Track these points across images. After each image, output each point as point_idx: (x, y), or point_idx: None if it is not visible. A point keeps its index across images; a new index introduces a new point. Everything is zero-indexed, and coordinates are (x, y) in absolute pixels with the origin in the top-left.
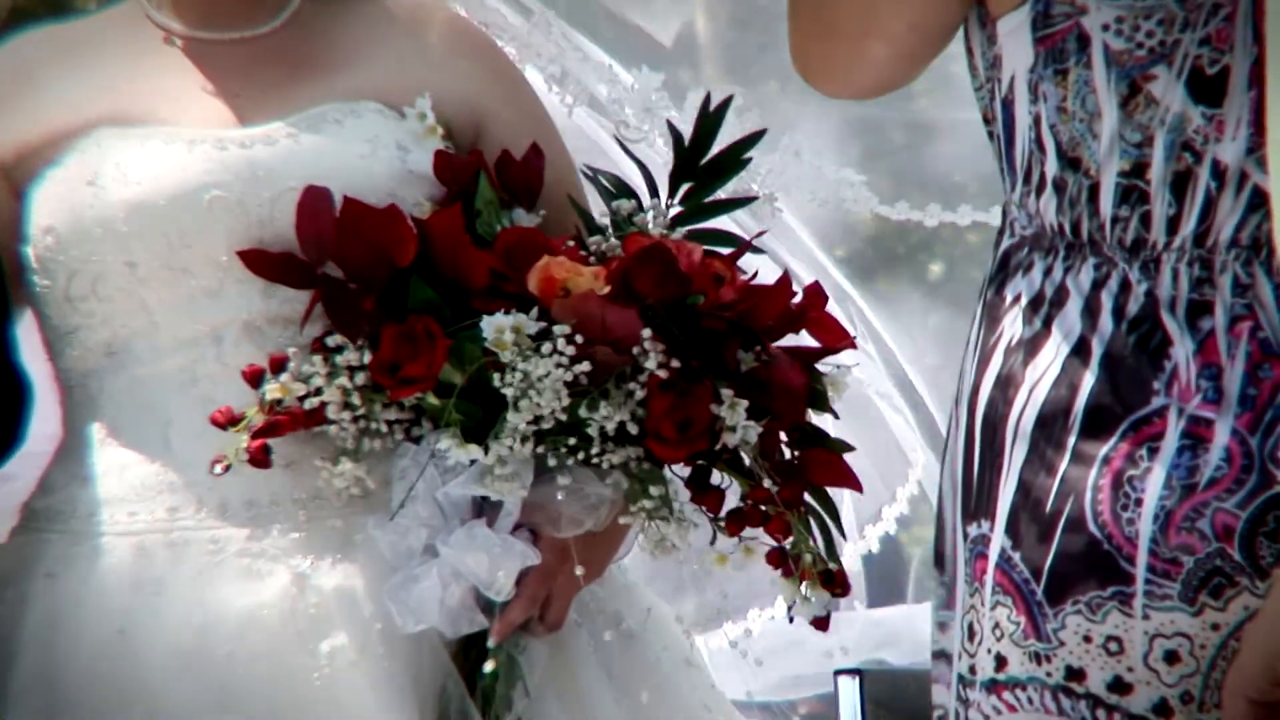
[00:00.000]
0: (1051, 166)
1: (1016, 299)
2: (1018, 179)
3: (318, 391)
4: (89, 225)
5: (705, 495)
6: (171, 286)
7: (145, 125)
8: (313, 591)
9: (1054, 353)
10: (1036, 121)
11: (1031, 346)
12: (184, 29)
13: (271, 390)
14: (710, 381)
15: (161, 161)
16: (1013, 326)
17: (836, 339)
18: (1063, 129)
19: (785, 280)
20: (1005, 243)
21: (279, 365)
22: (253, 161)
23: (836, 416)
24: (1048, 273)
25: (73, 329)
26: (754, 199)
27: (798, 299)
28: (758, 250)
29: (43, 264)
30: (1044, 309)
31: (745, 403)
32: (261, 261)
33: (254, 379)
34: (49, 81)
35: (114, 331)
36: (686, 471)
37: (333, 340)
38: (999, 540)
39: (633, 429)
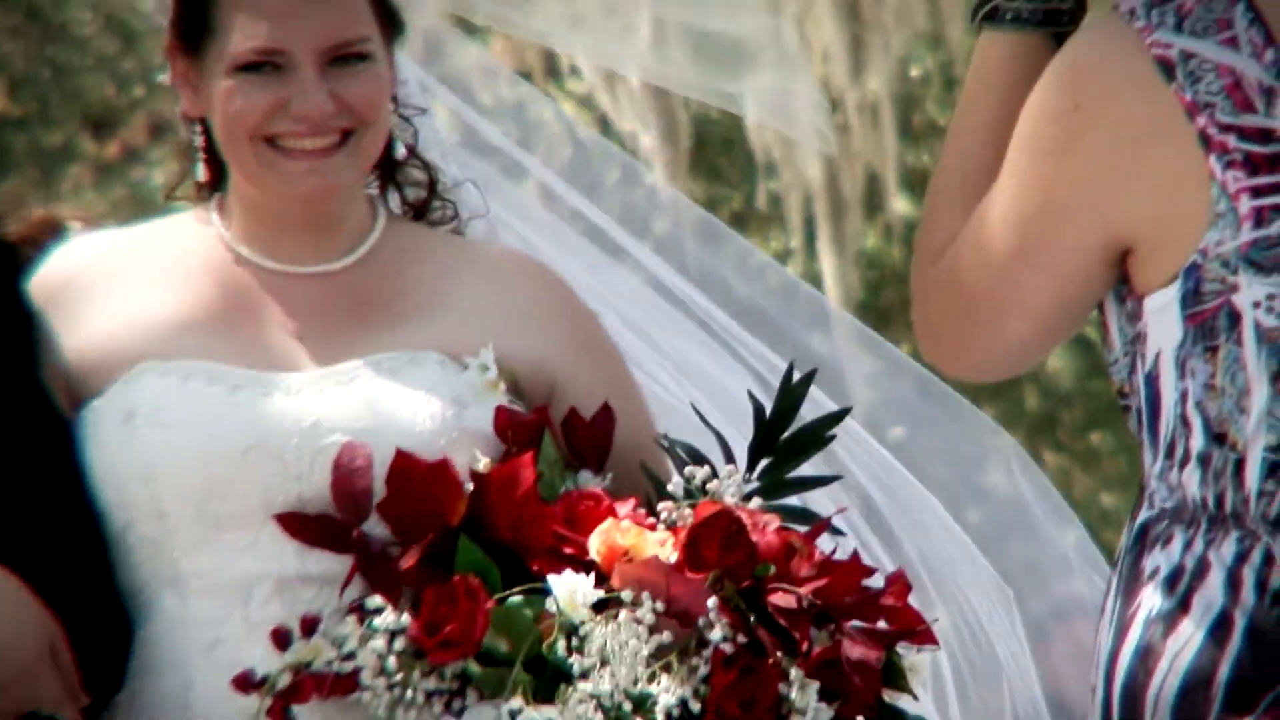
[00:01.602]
0: (1197, 441)
1: (1155, 572)
2: (1160, 453)
3: (350, 655)
4: (121, 465)
5: None
6: (202, 538)
7: (190, 360)
8: None
9: (1195, 625)
10: (1183, 397)
11: (1172, 619)
12: (254, 255)
13: (300, 651)
14: (778, 659)
15: (200, 404)
16: (1152, 598)
17: (916, 628)
18: (1210, 405)
19: (857, 559)
20: (1143, 515)
21: (310, 626)
22: (297, 412)
23: (915, 698)
24: (1188, 545)
25: None
26: (836, 478)
27: (878, 582)
28: (837, 531)
29: None
30: (1184, 581)
31: (816, 684)
32: (299, 525)
33: (281, 640)
34: (101, 300)
35: (140, 581)
36: None
37: (371, 603)
38: None
39: (694, 706)
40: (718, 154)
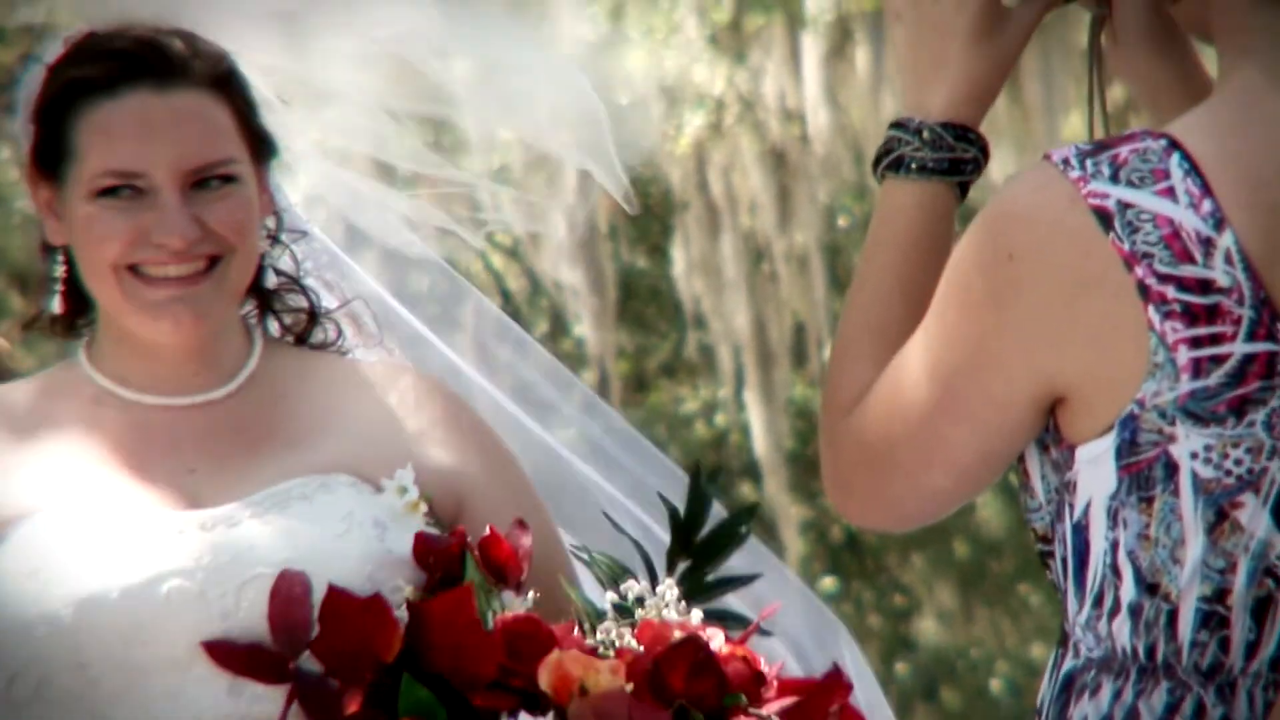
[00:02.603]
0: (1128, 591)
1: None
2: (1086, 602)
3: None
4: (32, 622)
5: None
6: (126, 688)
7: (91, 508)
8: None
9: None
10: (1114, 547)
11: None
12: (129, 394)
13: None
14: None
15: (111, 549)
16: None
17: None
18: (1143, 555)
19: (838, 674)
20: (1068, 664)
21: None
22: (215, 547)
23: None
24: (1118, 696)
25: None
26: (755, 577)
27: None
28: (765, 632)
29: None
30: None
31: None
32: (229, 655)
33: None
34: None
35: None
36: None
37: None
38: None
39: None
40: (645, 304)
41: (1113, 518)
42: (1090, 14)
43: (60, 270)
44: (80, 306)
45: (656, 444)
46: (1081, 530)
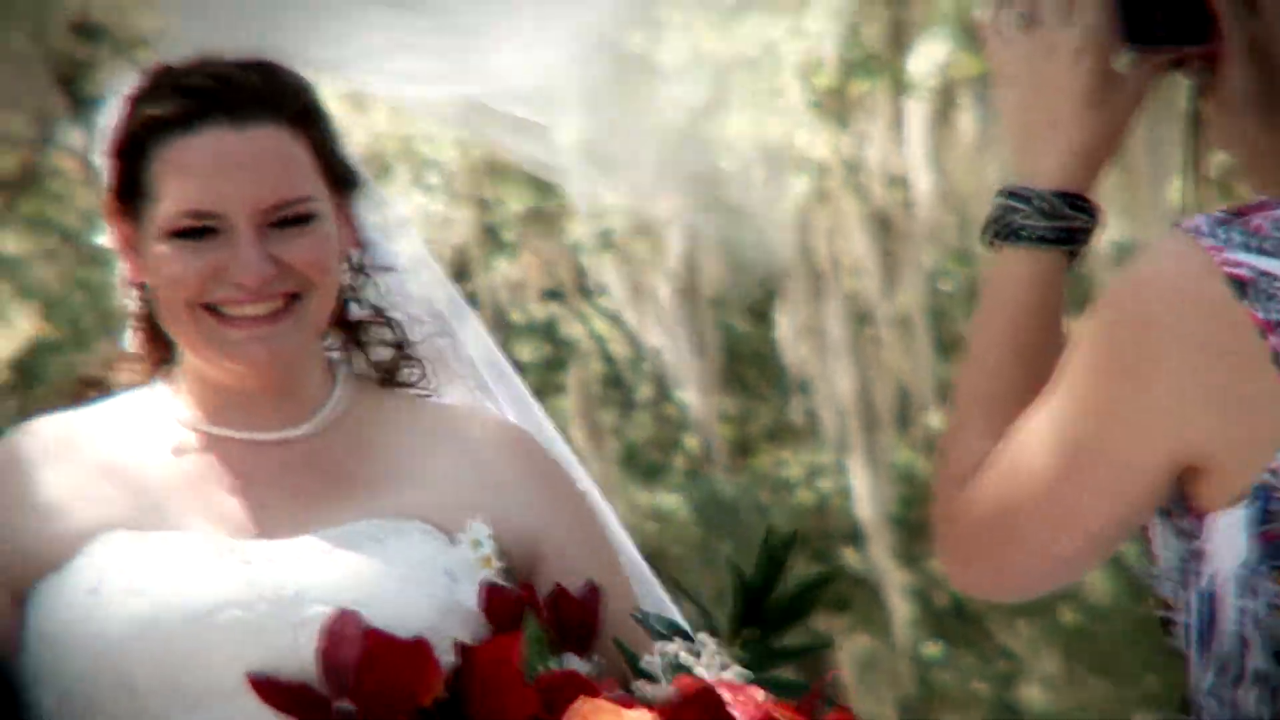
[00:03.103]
0: (1256, 660)
1: None
2: (1211, 669)
3: None
4: (86, 639)
5: None
6: (173, 715)
7: (162, 531)
8: None
9: None
10: (1244, 615)
11: None
12: (207, 426)
13: None
14: None
15: (173, 574)
16: None
17: None
18: (1274, 624)
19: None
20: None
21: None
22: (278, 580)
23: None
24: None
25: None
26: (826, 645)
27: None
28: (829, 700)
29: (35, 676)
30: None
31: None
32: (272, 690)
33: None
34: (55, 478)
35: None
36: None
37: None
38: None
39: None
40: (748, 368)
41: (1243, 586)
42: (1191, 81)
43: (137, 307)
44: (162, 342)
45: (759, 509)
46: (1209, 598)
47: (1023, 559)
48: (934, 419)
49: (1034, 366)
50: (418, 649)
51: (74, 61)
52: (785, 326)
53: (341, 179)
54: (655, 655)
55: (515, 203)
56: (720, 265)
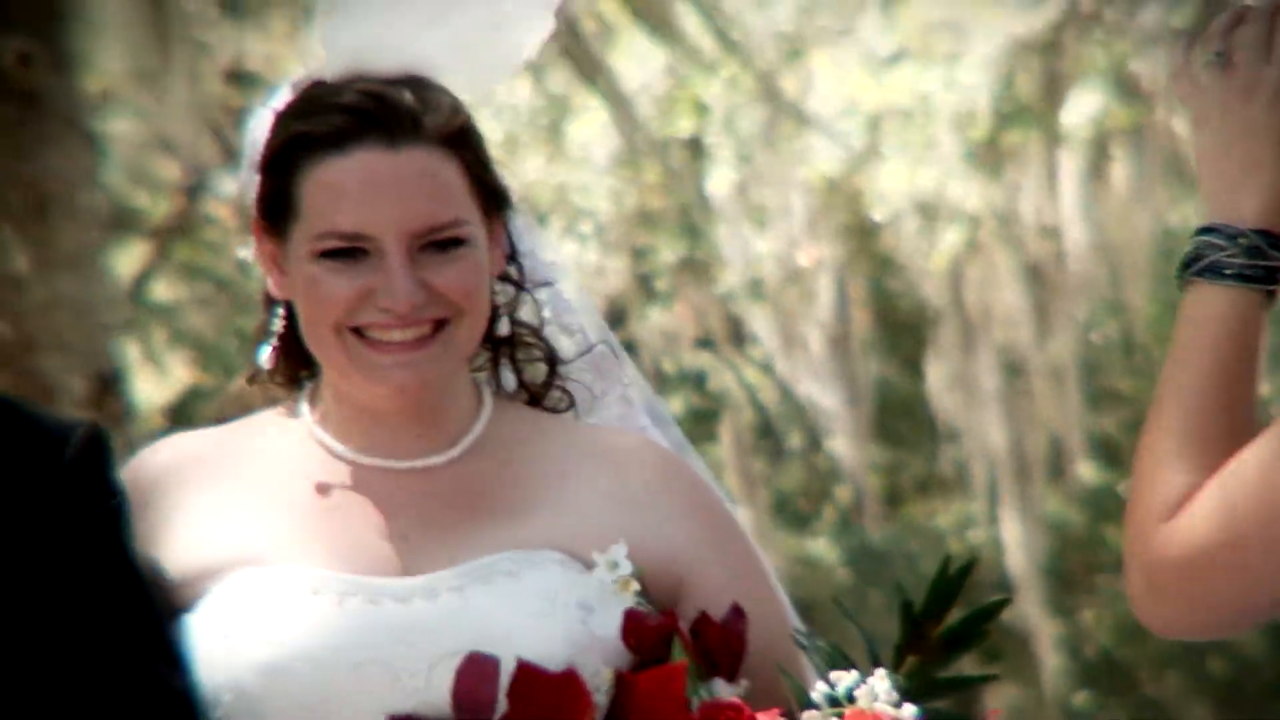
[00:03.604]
0: None
1: None
2: None
3: None
4: (219, 687)
5: None
6: None
7: (291, 567)
8: None
9: None
10: None
11: None
12: (348, 451)
13: None
14: None
15: (306, 615)
16: None
17: None
18: None
19: None
20: None
21: None
22: (411, 622)
23: None
24: None
25: None
26: (992, 677)
27: None
28: None
29: None
30: None
31: None
32: None
33: None
34: (190, 504)
35: None
36: None
37: None
38: None
39: None
40: (899, 418)
41: None
42: None
43: (279, 325)
44: (300, 360)
45: (909, 559)
46: None
47: (1224, 596)
48: (1085, 470)
49: (1235, 402)
50: (568, 681)
51: (227, 109)
52: (936, 377)
53: (493, 199)
54: (817, 685)
55: (667, 251)
56: (871, 315)
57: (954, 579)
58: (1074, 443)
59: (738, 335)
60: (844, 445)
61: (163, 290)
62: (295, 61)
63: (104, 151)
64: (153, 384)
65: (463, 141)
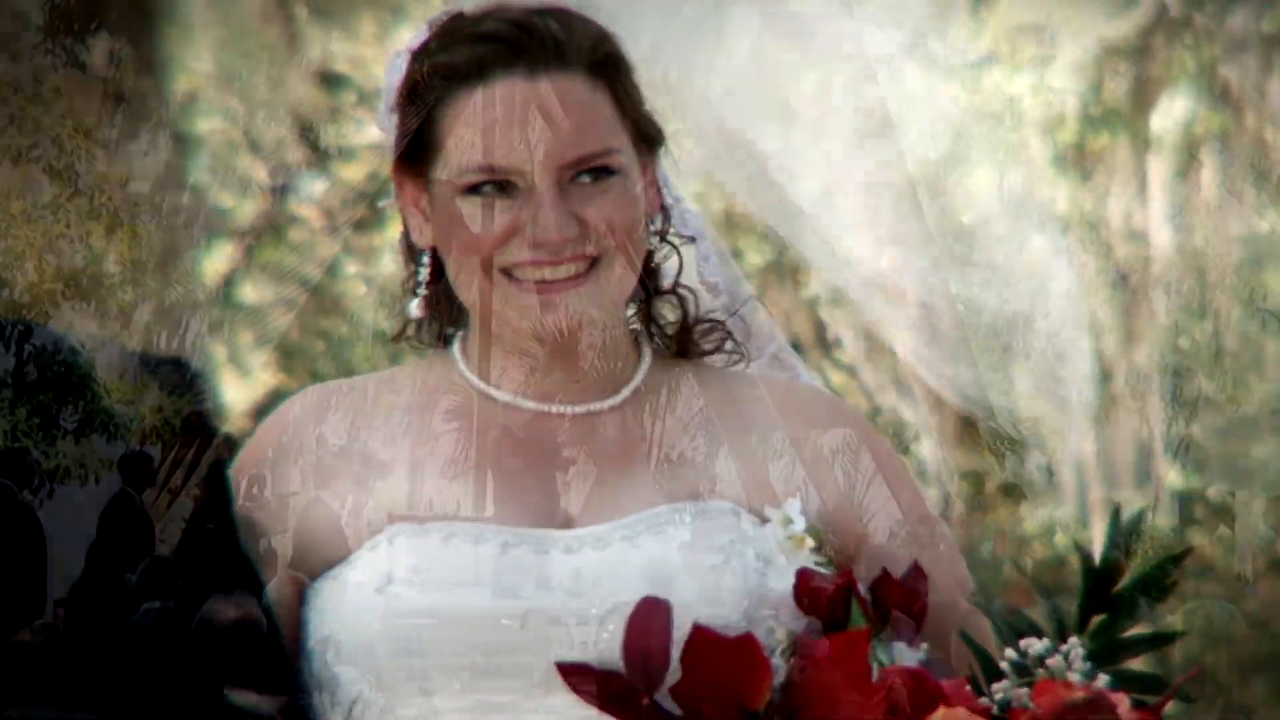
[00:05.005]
0: None
1: None
2: None
3: None
4: (375, 641)
5: None
6: (471, 717)
7: (450, 520)
8: None
9: None
10: None
11: None
12: (506, 396)
13: None
14: None
15: (468, 567)
16: None
17: None
18: None
19: None
20: None
21: None
22: (579, 571)
23: None
24: None
25: None
26: (1178, 635)
27: None
28: (1187, 698)
29: (317, 680)
30: None
31: None
32: (585, 679)
33: None
34: (340, 457)
35: None
36: None
37: None
38: None
39: None
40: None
41: None
42: None
43: (425, 274)
44: (447, 311)
45: (995, 564)
46: None
47: None
48: (1172, 476)
49: None
50: (745, 646)
51: (315, 110)
52: (1022, 381)
53: (646, 134)
54: (1006, 653)
55: (755, 255)
56: (957, 320)
57: (1129, 527)
58: (1160, 449)
59: (823, 340)
60: (929, 449)
61: (247, 292)
62: (383, 64)
63: (191, 153)
64: (235, 386)
65: (611, 70)
